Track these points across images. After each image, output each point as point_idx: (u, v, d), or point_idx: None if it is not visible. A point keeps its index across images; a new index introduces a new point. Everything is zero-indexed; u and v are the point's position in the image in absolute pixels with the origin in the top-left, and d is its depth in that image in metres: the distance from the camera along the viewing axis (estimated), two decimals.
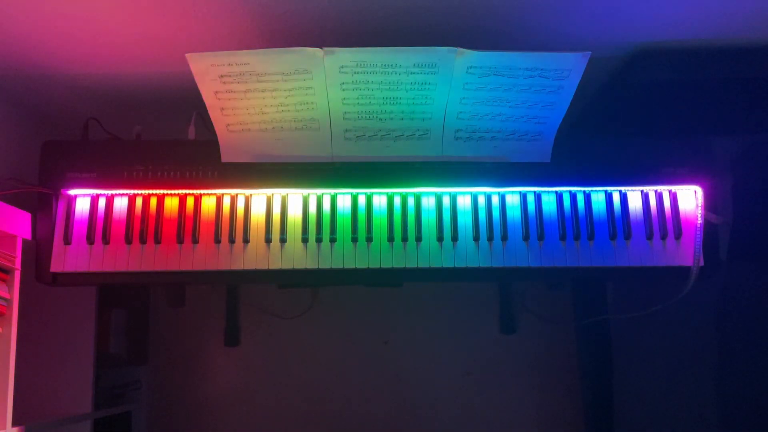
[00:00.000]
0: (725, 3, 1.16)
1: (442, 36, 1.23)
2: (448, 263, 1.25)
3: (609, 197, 1.28)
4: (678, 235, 1.26)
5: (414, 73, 1.14)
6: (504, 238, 1.26)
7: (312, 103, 1.19)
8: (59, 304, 1.52)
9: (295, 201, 1.28)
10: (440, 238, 1.26)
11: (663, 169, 1.28)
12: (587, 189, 1.29)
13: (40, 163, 1.27)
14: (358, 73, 1.14)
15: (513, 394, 1.89)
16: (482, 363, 1.90)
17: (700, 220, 1.25)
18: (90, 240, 1.25)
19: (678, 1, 1.16)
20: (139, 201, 1.27)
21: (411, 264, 1.25)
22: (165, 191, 1.27)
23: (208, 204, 1.28)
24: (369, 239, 1.25)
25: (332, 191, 1.28)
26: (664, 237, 1.26)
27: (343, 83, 1.16)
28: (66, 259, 1.24)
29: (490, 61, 1.13)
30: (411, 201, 1.28)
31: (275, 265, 1.25)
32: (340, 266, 1.25)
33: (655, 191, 1.29)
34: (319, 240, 1.25)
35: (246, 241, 1.25)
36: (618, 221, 1.27)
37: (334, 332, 1.90)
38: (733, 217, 1.40)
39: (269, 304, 1.89)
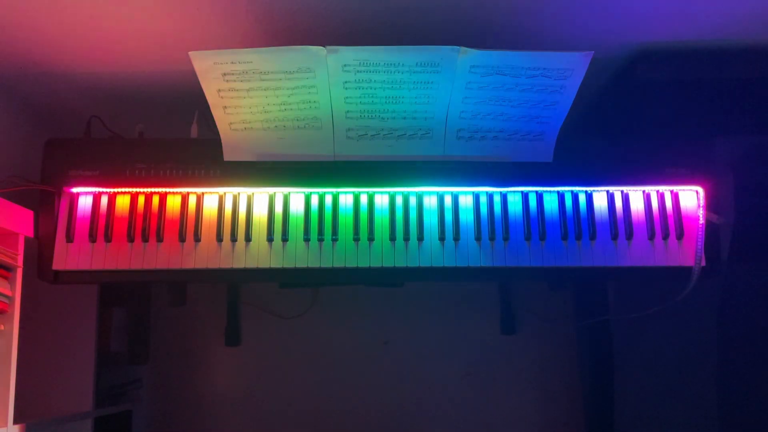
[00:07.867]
0: (727, 3, 1.16)
1: (445, 35, 1.23)
2: (449, 263, 1.25)
3: (611, 197, 1.28)
4: (680, 235, 1.26)
5: (417, 72, 1.14)
6: (506, 237, 1.26)
7: (315, 101, 1.19)
8: (61, 302, 1.52)
9: (297, 200, 1.28)
10: (442, 238, 1.26)
11: (665, 170, 1.28)
12: (589, 189, 1.29)
13: (42, 161, 1.28)
14: (361, 71, 1.14)
15: (513, 394, 1.89)
16: (482, 363, 1.90)
17: (701, 221, 1.25)
18: (92, 238, 1.25)
19: (680, 2, 1.16)
20: (141, 199, 1.27)
21: (412, 263, 1.25)
22: (167, 189, 1.27)
23: (211, 202, 1.28)
24: (371, 239, 1.25)
25: (334, 190, 1.28)
26: (665, 237, 1.26)
27: (345, 82, 1.16)
28: (68, 257, 1.24)
29: (492, 60, 1.13)
30: (413, 200, 1.28)
31: (277, 263, 1.24)
32: (342, 265, 1.25)
33: (657, 191, 1.29)
34: (320, 239, 1.25)
35: (248, 239, 1.25)
36: (620, 221, 1.27)
37: (334, 332, 1.90)
38: (735, 218, 1.40)
39: (270, 304, 1.89)
